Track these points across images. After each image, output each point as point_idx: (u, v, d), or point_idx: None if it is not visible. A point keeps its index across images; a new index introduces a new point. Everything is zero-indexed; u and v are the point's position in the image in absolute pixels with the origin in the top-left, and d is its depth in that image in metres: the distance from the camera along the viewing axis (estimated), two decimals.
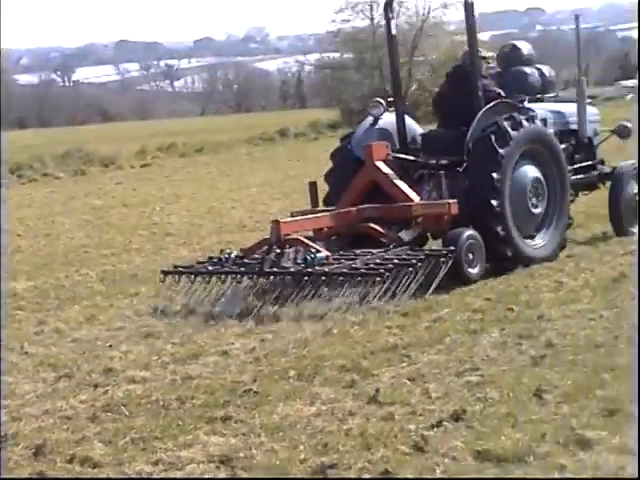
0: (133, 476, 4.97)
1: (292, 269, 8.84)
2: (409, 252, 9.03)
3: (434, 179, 9.81)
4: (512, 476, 4.60)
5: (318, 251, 8.85)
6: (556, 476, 4.55)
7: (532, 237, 9.79)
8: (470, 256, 9.01)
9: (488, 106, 9.84)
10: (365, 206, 9.73)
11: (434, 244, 9.96)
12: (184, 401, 6.07)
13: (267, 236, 9.29)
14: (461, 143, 9.74)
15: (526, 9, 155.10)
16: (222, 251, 9.55)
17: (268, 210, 16.04)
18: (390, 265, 8.54)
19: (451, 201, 9.34)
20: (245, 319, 8.20)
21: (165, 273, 9.37)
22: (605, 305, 7.62)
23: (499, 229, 9.32)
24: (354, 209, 9.69)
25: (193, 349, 7.39)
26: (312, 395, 5.96)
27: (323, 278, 8.48)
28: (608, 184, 11.07)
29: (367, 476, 4.74)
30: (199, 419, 5.69)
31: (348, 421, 5.46)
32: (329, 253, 8.94)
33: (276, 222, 9.16)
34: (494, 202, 9.31)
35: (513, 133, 9.57)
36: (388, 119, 10.51)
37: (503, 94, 10.20)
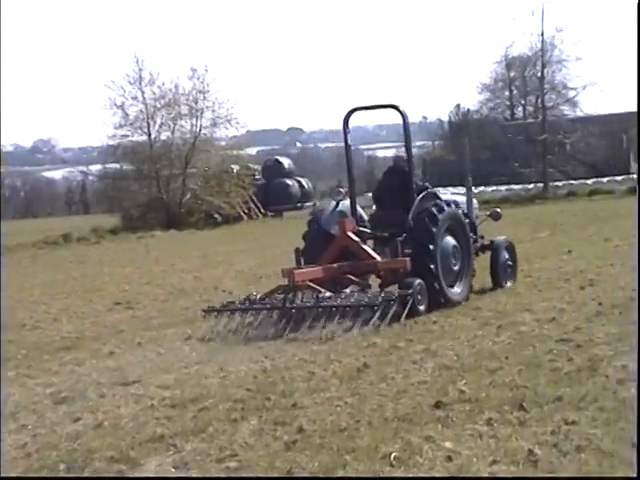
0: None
1: (309, 304, 11.28)
2: (383, 293, 11.45)
3: (387, 244, 12.60)
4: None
5: (324, 292, 11.44)
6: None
7: (452, 286, 12.58)
8: (419, 297, 11.69)
9: (421, 195, 12.83)
10: (343, 263, 12.48)
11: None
12: None
13: (282, 283, 11.91)
14: (399, 220, 12.61)
15: (287, 128, 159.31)
16: (249, 295, 11.90)
17: (49, 310, 15.49)
18: (379, 299, 11.03)
19: (407, 259, 12.11)
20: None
21: (205, 311, 11.81)
22: (350, 393, 7.75)
23: (435, 284, 12.06)
24: (336, 265, 12.44)
25: None
26: None
27: (333, 309, 10.89)
28: (488, 253, 14.10)
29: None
30: None
31: None
32: (332, 293, 11.49)
33: (291, 272, 11.73)
34: (432, 266, 12.17)
35: (439, 216, 12.52)
36: (344, 203, 13.37)
37: (429, 186, 13.28)
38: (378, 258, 12.50)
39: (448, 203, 12.96)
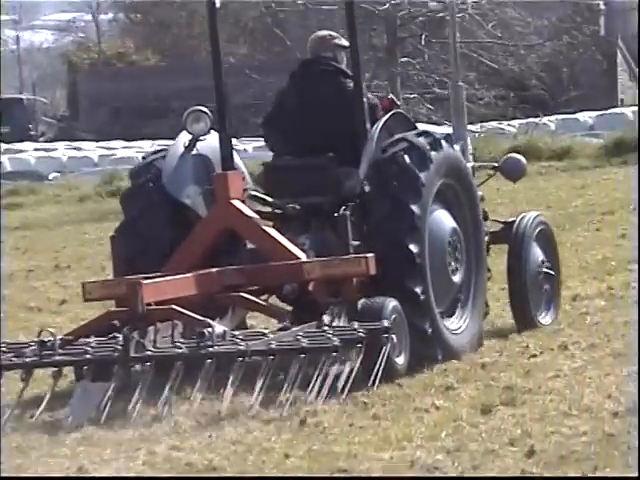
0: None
1: (181, 350, 7.26)
2: (331, 330, 7.42)
3: (304, 227, 8.34)
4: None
5: (214, 325, 7.41)
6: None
7: (450, 315, 8.42)
8: (394, 338, 7.53)
9: (385, 118, 8.28)
10: (228, 268, 8.11)
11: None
12: None
13: (113, 309, 7.80)
14: (329, 177, 8.29)
15: None
16: (41, 332, 7.57)
17: None
18: (336, 340, 7.16)
19: (369, 255, 7.74)
20: None
21: None
22: None
23: (418, 290, 7.86)
24: (213, 271, 8.02)
25: None
26: None
27: (240, 359, 7.12)
28: (498, 249, 9.49)
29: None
30: None
31: None
32: (225, 327, 7.53)
33: (136, 284, 7.45)
34: (414, 247, 7.85)
35: (433, 154, 8.11)
36: (207, 142, 8.56)
37: (397, 101, 8.87)
38: (301, 255, 8.11)
39: (434, 138, 8.32)
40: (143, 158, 8.92)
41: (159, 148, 9.22)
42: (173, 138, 8.91)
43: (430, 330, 7.92)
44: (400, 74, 28.89)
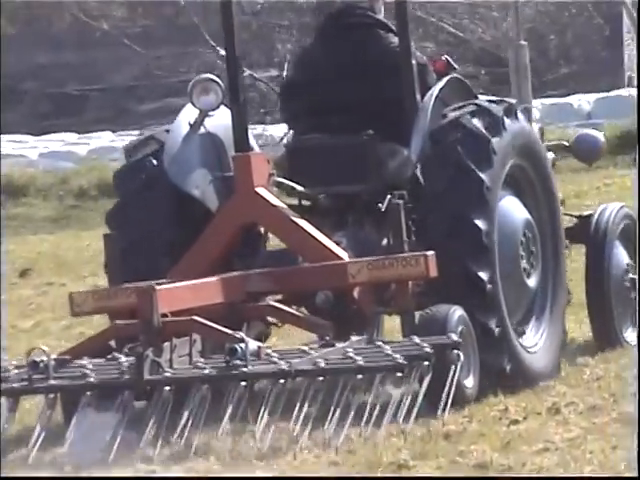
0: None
1: (207, 370, 7.93)
2: (388, 346, 8.20)
3: (340, 221, 9.22)
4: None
5: (247, 340, 8.02)
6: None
7: (525, 328, 9.41)
8: (461, 356, 8.30)
9: (441, 85, 9.06)
10: (254, 272, 8.91)
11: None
12: None
13: (120, 322, 8.47)
14: (368, 160, 9.06)
15: None
16: (30, 352, 8.27)
17: None
18: (399, 357, 7.86)
19: (428, 253, 8.52)
20: None
21: None
22: None
23: (492, 323, 8.77)
24: (236, 276, 8.85)
25: None
26: None
27: (282, 381, 7.81)
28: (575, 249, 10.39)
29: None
30: None
31: None
32: (260, 343, 8.34)
33: (150, 290, 8.13)
34: (484, 274, 8.71)
35: (495, 142, 8.85)
36: (217, 121, 9.34)
37: (453, 63, 9.60)
38: (343, 255, 8.94)
39: (495, 117, 9.03)
40: (127, 154, 9.44)
41: (143, 136, 9.57)
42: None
43: (509, 367, 8.79)
44: None
